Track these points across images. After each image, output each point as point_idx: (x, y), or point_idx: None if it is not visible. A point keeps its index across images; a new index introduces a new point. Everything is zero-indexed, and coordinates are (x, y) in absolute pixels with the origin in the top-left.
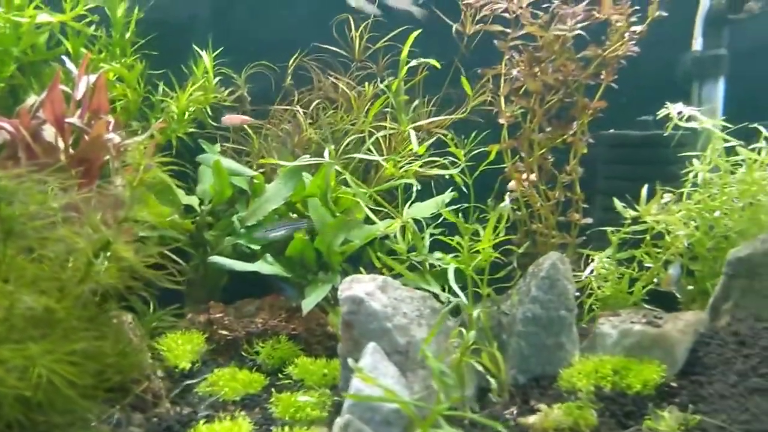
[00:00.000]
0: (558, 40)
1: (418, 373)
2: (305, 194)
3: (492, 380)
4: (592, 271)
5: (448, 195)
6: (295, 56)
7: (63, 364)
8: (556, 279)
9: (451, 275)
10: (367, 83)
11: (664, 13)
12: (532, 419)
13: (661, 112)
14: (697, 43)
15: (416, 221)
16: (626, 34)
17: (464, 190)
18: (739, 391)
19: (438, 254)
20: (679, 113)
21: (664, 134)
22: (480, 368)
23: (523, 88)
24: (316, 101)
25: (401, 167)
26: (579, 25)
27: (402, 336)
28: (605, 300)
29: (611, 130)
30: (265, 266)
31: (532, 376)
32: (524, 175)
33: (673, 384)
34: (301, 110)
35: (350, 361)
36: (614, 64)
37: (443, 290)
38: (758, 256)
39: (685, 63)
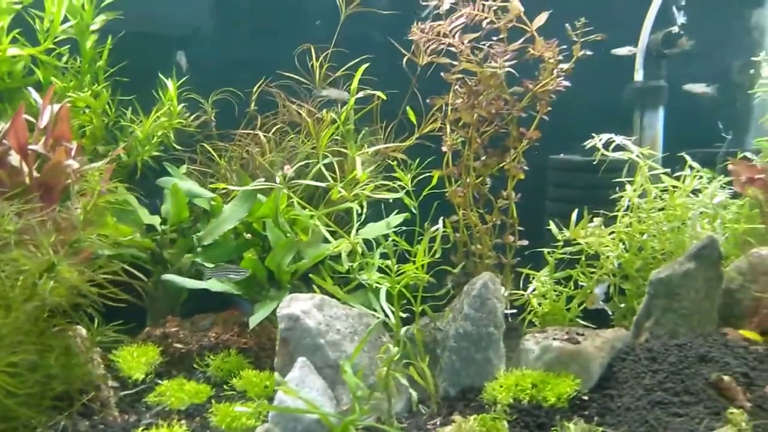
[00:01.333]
0: (492, 76)
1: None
2: (258, 215)
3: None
4: (534, 290)
5: (399, 217)
6: (259, 83)
7: (2, 375)
8: (486, 298)
9: (382, 294)
10: (326, 110)
11: (589, 52)
12: (447, 430)
13: (591, 142)
14: (639, 75)
15: (370, 241)
16: (555, 71)
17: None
18: (642, 404)
19: (378, 274)
20: (610, 141)
21: (606, 160)
22: (415, 381)
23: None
24: (276, 126)
25: (353, 191)
26: (509, 63)
27: (334, 351)
28: (544, 316)
29: (561, 155)
30: (216, 284)
31: (461, 388)
32: (462, 200)
33: (585, 397)
34: (263, 134)
35: (276, 375)
36: (547, 97)
37: (383, 308)
38: (676, 278)
39: (628, 93)
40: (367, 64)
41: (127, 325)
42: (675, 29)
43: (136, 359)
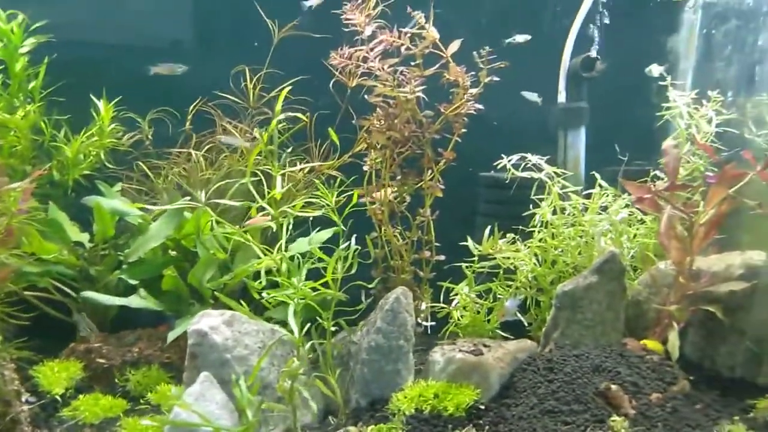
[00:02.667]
0: (407, 100)
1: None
2: (184, 233)
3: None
4: (457, 303)
5: (324, 233)
6: (195, 103)
7: None
8: (398, 312)
9: (290, 310)
10: (257, 129)
11: (496, 78)
12: None
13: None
14: (562, 97)
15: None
16: (465, 96)
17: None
18: (534, 413)
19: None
20: (524, 160)
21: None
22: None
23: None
24: (210, 145)
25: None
26: (419, 88)
27: (241, 366)
28: (465, 328)
29: (491, 172)
30: (136, 300)
31: (371, 399)
32: (382, 217)
33: (483, 407)
34: (197, 153)
35: (173, 389)
36: (460, 120)
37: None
38: (579, 291)
39: (553, 114)
40: (289, 87)
41: (59, 342)
42: (592, 54)
43: (57, 374)
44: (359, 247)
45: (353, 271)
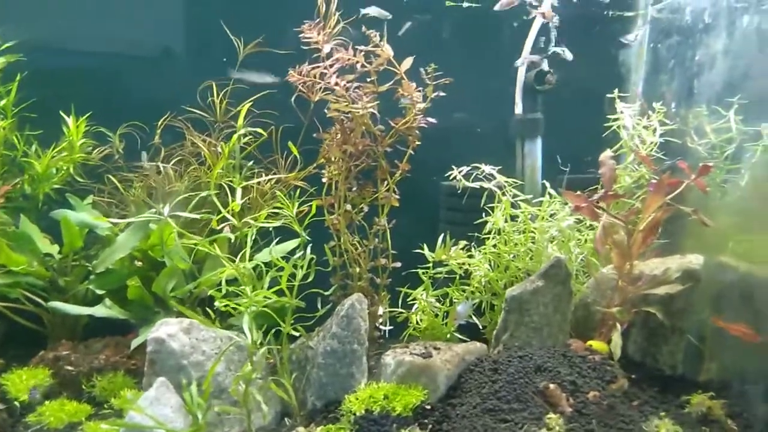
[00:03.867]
0: (362, 115)
1: (208, 402)
2: (150, 244)
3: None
4: (416, 307)
5: (294, 242)
6: (165, 117)
7: None
8: (352, 317)
9: (245, 318)
10: (223, 143)
11: (442, 93)
12: None
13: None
14: (518, 108)
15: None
16: (415, 111)
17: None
18: (476, 412)
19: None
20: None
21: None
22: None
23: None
24: (178, 158)
25: (243, 219)
26: (372, 104)
27: (197, 371)
28: (424, 331)
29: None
30: (101, 310)
31: (326, 401)
32: (338, 226)
33: (429, 407)
34: (167, 166)
35: (128, 393)
36: (413, 133)
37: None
38: (527, 294)
39: (511, 124)
40: (249, 104)
41: (31, 350)
42: (545, 68)
43: (25, 382)
44: (314, 257)
45: (312, 279)
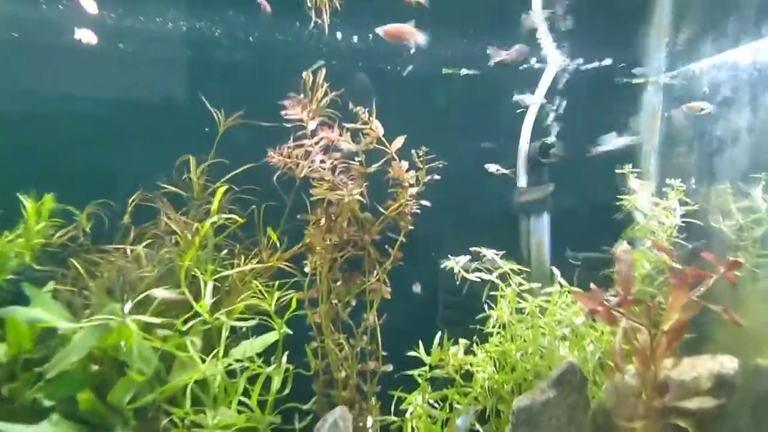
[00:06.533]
0: (348, 201)
1: None
2: (107, 343)
3: None
4: (411, 413)
5: (273, 335)
6: (135, 195)
7: None
8: None
9: None
10: (198, 225)
11: (437, 176)
12: None
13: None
14: (522, 181)
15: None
16: (407, 195)
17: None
18: None
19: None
20: (483, 257)
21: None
22: None
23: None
24: (149, 241)
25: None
26: (357, 191)
27: None
28: None
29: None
30: (47, 428)
31: None
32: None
33: None
34: (136, 248)
35: None
36: (405, 218)
37: None
38: (537, 406)
39: (515, 198)
40: (225, 187)
41: None
42: (550, 139)
43: None
44: (290, 367)
45: (291, 385)
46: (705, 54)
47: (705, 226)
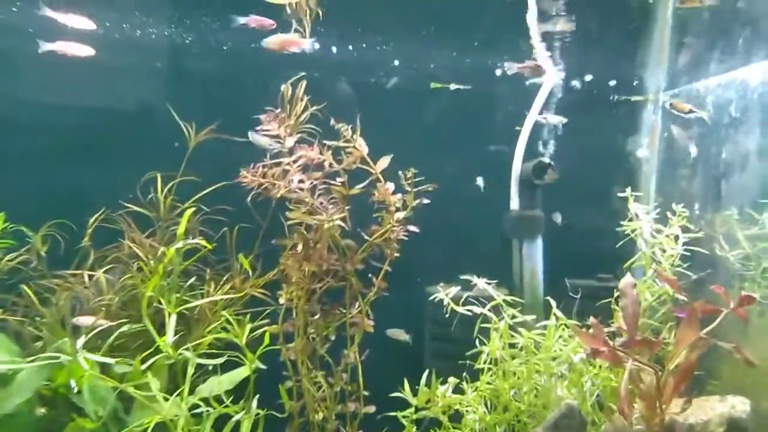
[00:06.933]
0: (328, 228)
1: None
2: (56, 384)
3: None
4: None
5: (244, 370)
6: (96, 215)
7: None
8: None
9: None
10: (165, 248)
11: (426, 201)
12: None
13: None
14: (514, 203)
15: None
16: (393, 220)
17: None
18: None
19: None
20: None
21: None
22: None
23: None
24: (110, 266)
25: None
26: (339, 216)
27: None
28: None
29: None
30: None
31: None
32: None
33: None
34: (96, 273)
35: None
36: (392, 245)
37: None
38: None
39: (506, 222)
40: (192, 209)
41: None
42: (545, 160)
43: None
44: (260, 412)
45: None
46: (710, 72)
47: (710, 254)
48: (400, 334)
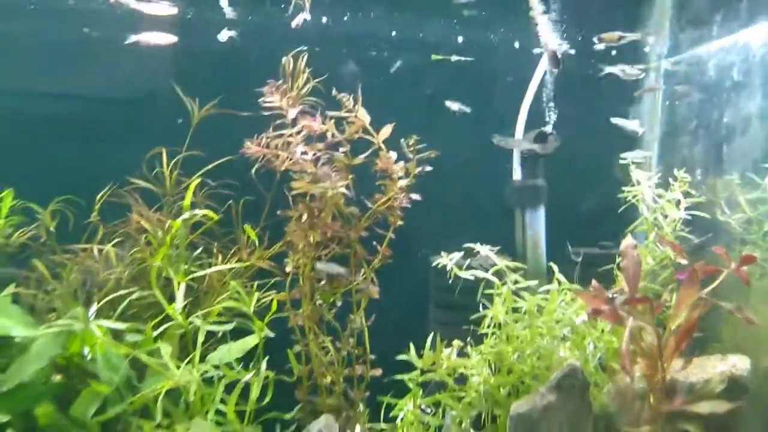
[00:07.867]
0: (332, 195)
1: None
2: (71, 352)
3: None
4: (402, 420)
5: (254, 338)
6: (104, 190)
7: None
8: None
9: None
10: (172, 220)
11: (429, 168)
12: None
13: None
14: (517, 174)
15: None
16: (396, 188)
17: None
18: None
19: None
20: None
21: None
22: None
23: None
24: (119, 239)
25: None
26: (342, 183)
27: None
28: None
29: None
30: None
31: None
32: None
33: None
34: (105, 247)
35: None
36: (395, 213)
37: None
38: (536, 413)
39: (508, 192)
40: (198, 180)
41: None
42: (547, 129)
43: None
44: (269, 375)
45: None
46: (712, 37)
47: (711, 219)
48: (332, 268)
